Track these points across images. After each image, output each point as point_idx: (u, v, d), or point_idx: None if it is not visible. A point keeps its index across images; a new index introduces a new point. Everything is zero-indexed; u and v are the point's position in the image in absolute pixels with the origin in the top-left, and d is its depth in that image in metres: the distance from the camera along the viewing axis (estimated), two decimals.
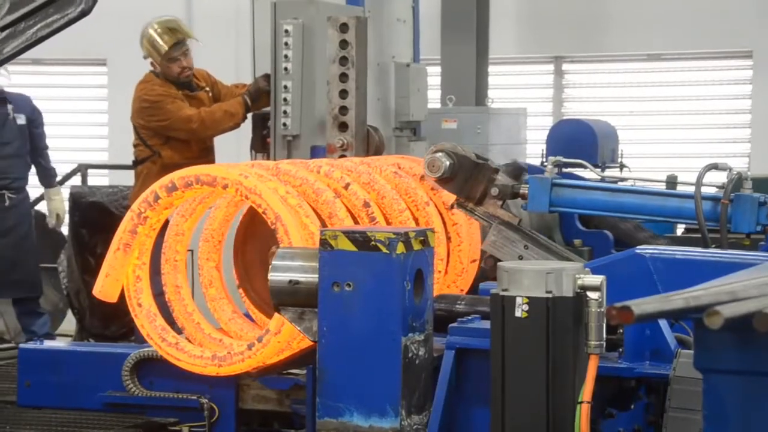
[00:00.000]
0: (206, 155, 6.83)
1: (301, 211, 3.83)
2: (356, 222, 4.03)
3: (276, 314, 3.74)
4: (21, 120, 7.57)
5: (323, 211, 3.94)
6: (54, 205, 7.79)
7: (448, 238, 4.51)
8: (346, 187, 4.13)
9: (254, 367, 3.87)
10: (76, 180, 9.34)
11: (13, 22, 4.62)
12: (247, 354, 3.80)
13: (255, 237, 4.28)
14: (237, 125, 6.85)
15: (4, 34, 4.60)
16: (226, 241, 4.35)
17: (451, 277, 4.49)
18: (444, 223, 4.50)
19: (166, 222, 4.14)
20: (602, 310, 3.07)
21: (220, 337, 4.07)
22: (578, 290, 3.09)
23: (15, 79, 8.04)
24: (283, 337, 3.74)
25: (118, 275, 3.93)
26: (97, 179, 10.70)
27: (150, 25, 6.75)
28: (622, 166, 9.46)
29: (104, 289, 3.94)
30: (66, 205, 7.96)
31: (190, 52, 6.77)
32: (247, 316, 4.36)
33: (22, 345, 5.15)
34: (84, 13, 4.61)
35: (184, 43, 6.73)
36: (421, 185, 4.52)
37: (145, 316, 3.95)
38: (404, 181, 4.47)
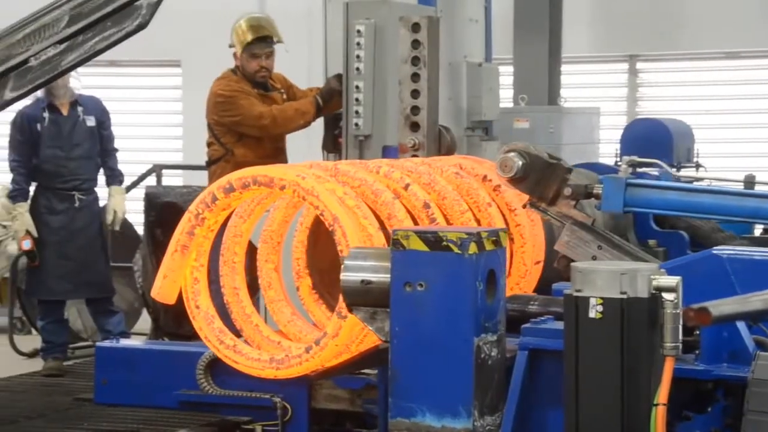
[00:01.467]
0: (279, 155, 6.89)
1: (359, 213, 3.79)
2: (416, 223, 3.98)
3: (334, 317, 3.73)
4: (91, 122, 7.69)
5: (382, 213, 3.89)
6: (113, 202, 7.84)
7: (511, 240, 4.45)
8: (406, 187, 4.08)
9: (312, 370, 3.84)
10: (151, 180, 9.46)
11: (72, 35, 4.67)
12: (304, 357, 3.78)
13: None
14: (307, 124, 6.90)
15: (63, 46, 4.66)
16: (286, 243, 4.31)
17: (514, 279, 4.43)
18: (507, 224, 4.45)
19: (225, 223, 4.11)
20: (678, 311, 3.03)
21: (278, 339, 4.05)
22: (653, 291, 3.06)
23: (92, 80, 8.18)
24: (341, 340, 3.73)
25: (176, 277, 3.91)
26: (172, 179, 10.82)
27: (243, 17, 6.91)
28: (698, 166, 9.33)
29: (162, 290, 3.92)
30: (132, 205, 8.06)
31: (274, 56, 6.87)
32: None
33: (98, 343, 5.23)
34: (141, 27, 4.65)
35: (270, 44, 6.85)
36: (483, 186, 4.46)
37: (203, 318, 3.94)
38: (466, 181, 4.41)
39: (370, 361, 4.04)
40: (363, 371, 4.40)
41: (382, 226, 3.85)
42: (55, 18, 4.66)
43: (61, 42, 4.65)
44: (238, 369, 3.95)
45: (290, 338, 4.12)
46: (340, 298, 3.65)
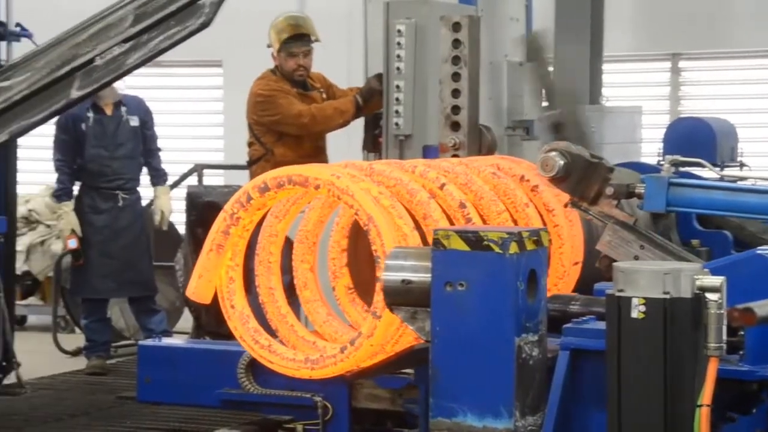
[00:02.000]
0: (319, 154, 6.90)
1: (394, 212, 3.77)
2: (451, 223, 3.95)
3: (369, 317, 3.73)
4: (134, 122, 7.77)
5: (417, 212, 3.87)
6: (160, 203, 7.92)
7: (549, 241, 4.41)
8: (442, 187, 4.05)
9: (347, 371, 3.83)
10: (193, 180, 9.51)
11: (137, 34, 4.73)
12: (339, 357, 3.77)
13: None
14: (346, 123, 6.90)
15: (127, 45, 4.72)
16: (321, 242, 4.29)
17: (552, 280, 4.38)
18: (545, 225, 4.41)
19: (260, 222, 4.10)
20: (722, 311, 3.00)
21: (313, 339, 4.04)
22: (697, 291, 3.03)
23: (134, 81, 8.23)
24: (376, 340, 3.71)
25: (211, 276, 3.91)
26: (213, 179, 10.87)
27: (279, 16, 6.96)
28: (741, 165, 9.24)
29: (197, 290, 3.92)
30: (174, 204, 8.11)
31: (312, 54, 6.89)
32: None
33: (141, 342, 5.26)
34: (204, 25, 4.70)
35: (307, 42, 6.86)
36: (520, 186, 4.44)
37: (238, 317, 3.94)
38: (503, 182, 4.38)
39: (406, 362, 4.03)
40: (404, 371, 4.39)
41: (417, 226, 3.84)
42: (119, 17, 4.73)
43: (125, 41, 4.71)
44: (272, 369, 3.95)
45: (326, 338, 4.12)
46: (375, 298, 3.65)
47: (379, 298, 3.65)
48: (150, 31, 4.71)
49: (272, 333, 4.05)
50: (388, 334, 3.71)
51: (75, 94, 4.79)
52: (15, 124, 4.83)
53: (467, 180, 4.23)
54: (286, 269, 4.21)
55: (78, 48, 4.76)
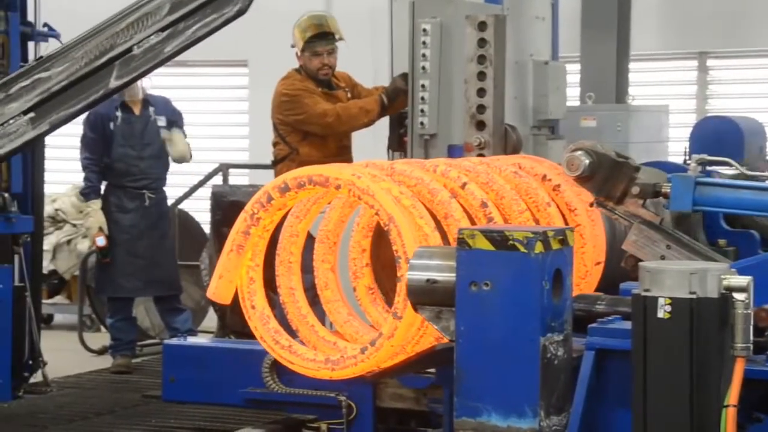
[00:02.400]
0: (344, 153, 6.90)
1: (415, 212, 3.75)
2: (473, 223, 3.94)
3: (389, 318, 3.72)
4: (162, 122, 7.79)
5: (438, 212, 3.85)
6: (174, 137, 7.75)
7: None
8: (463, 186, 4.03)
9: (368, 371, 3.81)
10: (218, 179, 9.54)
11: (174, 22, 4.75)
12: (360, 358, 3.75)
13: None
14: (372, 122, 6.90)
15: (165, 34, 4.75)
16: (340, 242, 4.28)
17: (574, 280, 4.34)
18: (566, 224, 4.39)
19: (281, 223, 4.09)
20: (749, 311, 2.98)
21: (334, 340, 4.02)
22: (724, 291, 3.01)
23: (159, 80, 8.24)
24: (397, 341, 3.70)
25: (232, 277, 3.90)
26: (238, 179, 10.89)
27: (303, 15, 6.95)
28: None
29: (218, 290, 3.91)
30: (199, 204, 8.13)
31: (336, 53, 6.88)
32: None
33: (166, 341, 5.28)
34: (240, 12, 4.72)
35: (331, 41, 6.85)
36: (542, 186, 4.42)
37: (258, 318, 3.93)
38: (524, 181, 4.35)
39: (428, 362, 4.02)
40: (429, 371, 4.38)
41: (439, 226, 3.82)
42: (156, 6, 4.76)
43: (163, 30, 4.74)
44: (293, 370, 3.95)
45: (347, 339, 4.11)
46: (396, 298, 3.64)
47: (399, 298, 3.64)
48: (187, 20, 4.74)
49: (294, 333, 4.05)
50: (409, 335, 3.70)
51: (114, 83, 4.83)
52: (54, 114, 4.87)
53: (488, 179, 4.21)
54: (311, 268, 4.21)
55: (116, 38, 4.80)
